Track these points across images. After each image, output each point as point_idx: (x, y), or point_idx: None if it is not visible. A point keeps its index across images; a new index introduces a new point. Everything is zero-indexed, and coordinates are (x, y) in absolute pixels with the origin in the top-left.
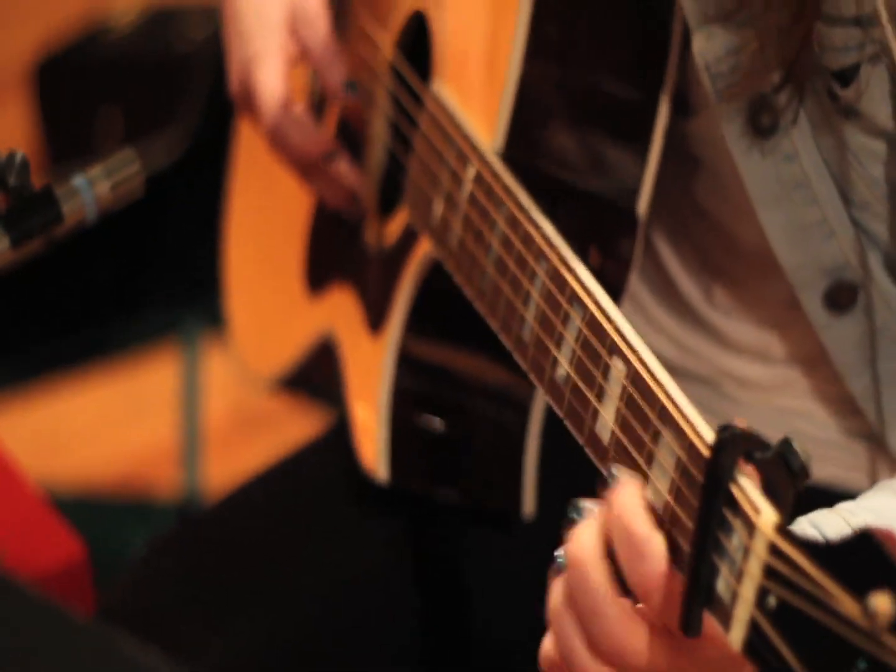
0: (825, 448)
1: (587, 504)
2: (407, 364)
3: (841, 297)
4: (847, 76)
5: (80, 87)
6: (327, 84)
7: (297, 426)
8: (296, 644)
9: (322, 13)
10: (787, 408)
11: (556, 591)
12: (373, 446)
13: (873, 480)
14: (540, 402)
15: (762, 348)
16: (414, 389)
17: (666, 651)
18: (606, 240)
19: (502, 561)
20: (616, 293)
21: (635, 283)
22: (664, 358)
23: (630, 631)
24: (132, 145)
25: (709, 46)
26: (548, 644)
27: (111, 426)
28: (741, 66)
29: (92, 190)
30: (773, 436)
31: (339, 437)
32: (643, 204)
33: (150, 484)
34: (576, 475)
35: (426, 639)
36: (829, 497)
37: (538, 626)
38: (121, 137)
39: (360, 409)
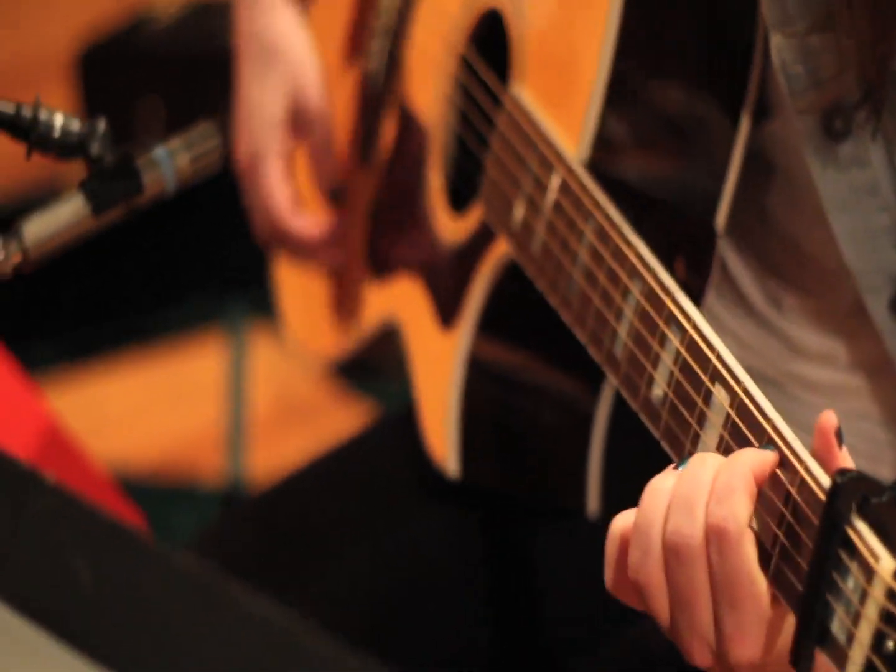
0: (887, 450)
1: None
2: (477, 362)
3: None
4: None
5: (123, 77)
6: (317, 182)
7: (341, 416)
8: (350, 638)
9: (324, 110)
10: (852, 410)
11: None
12: (442, 441)
13: None
14: (606, 402)
15: (828, 353)
16: (483, 387)
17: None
18: (688, 252)
19: (567, 558)
20: (695, 305)
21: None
22: None
23: (762, 608)
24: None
25: (787, 46)
26: (638, 557)
27: (157, 411)
28: (819, 69)
29: (172, 161)
30: None
31: (397, 427)
32: (722, 216)
33: (194, 469)
34: (643, 475)
35: (489, 635)
36: None
37: (600, 625)
38: (162, 128)
39: (429, 403)
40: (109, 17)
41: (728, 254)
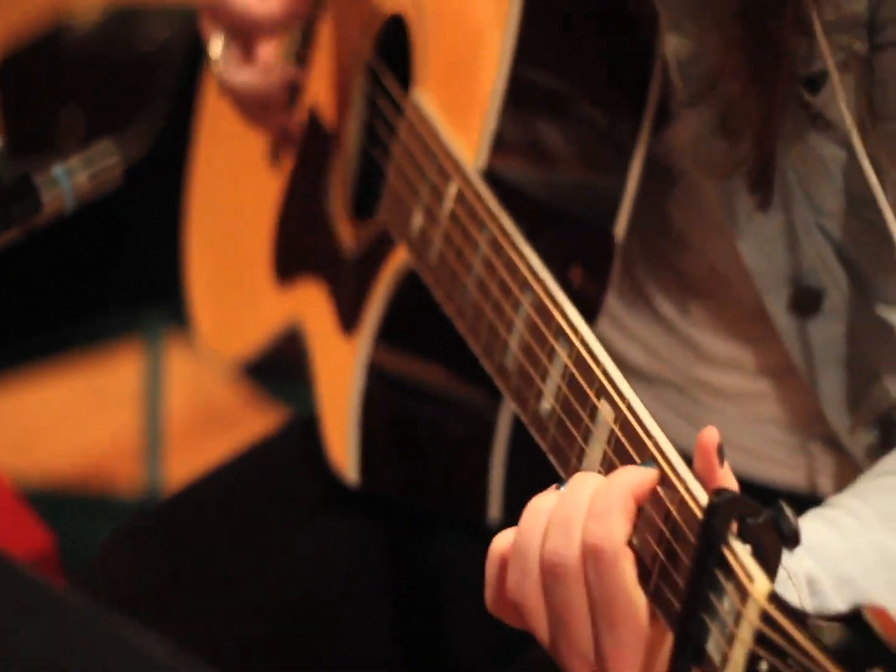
0: (789, 453)
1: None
2: (378, 370)
3: (806, 301)
4: (816, 83)
5: (42, 85)
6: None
7: (257, 423)
8: (252, 641)
9: None
10: (758, 414)
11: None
12: (342, 448)
13: (834, 483)
14: (507, 410)
15: (734, 359)
16: (384, 395)
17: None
18: (585, 260)
19: (468, 564)
20: (593, 313)
21: (609, 293)
22: (636, 364)
23: (640, 627)
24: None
25: (681, 47)
26: (518, 576)
27: (74, 422)
28: (711, 68)
29: (70, 179)
30: (743, 440)
31: (303, 432)
32: (621, 226)
33: (112, 479)
34: (543, 479)
35: (394, 641)
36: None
37: (506, 632)
38: (82, 136)
39: (330, 410)
40: (28, 25)
41: (634, 261)
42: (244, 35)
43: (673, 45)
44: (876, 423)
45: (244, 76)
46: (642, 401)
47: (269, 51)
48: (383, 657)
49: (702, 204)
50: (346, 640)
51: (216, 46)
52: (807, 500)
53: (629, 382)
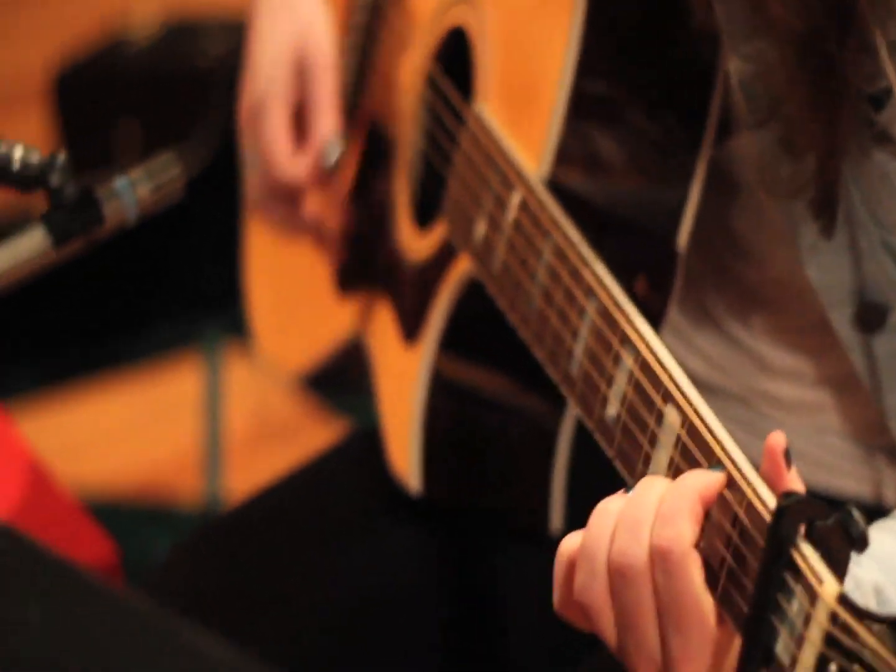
0: (854, 463)
1: None
2: (441, 380)
3: (871, 317)
4: (881, 100)
5: (99, 100)
6: (315, 136)
7: (317, 435)
8: (313, 653)
9: (330, 64)
10: (818, 424)
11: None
12: (405, 457)
13: (893, 495)
14: (570, 420)
15: (795, 370)
16: (447, 405)
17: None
18: (649, 271)
19: (530, 575)
20: (655, 325)
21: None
22: (698, 376)
23: (708, 630)
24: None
25: (744, 67)
26: (587, 576)
27: (134, 434)
28: (775, 89)
29: (133, 192)
30: (807, 451)
31: (365, 444)
32: (683, 236)
33: (172, 491)
34: (605, 491)
35: (452, 652)
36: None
37: (566, 641)
38: (140, 151)
39: (392, 419)
40: (86, 40)
41: (695, 273)
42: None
43: (736, 65)
44: None
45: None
46: None
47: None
48: (442, 668)
49: (765, 215)
50: (406, 651)
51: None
52: (872, 511)
53: None
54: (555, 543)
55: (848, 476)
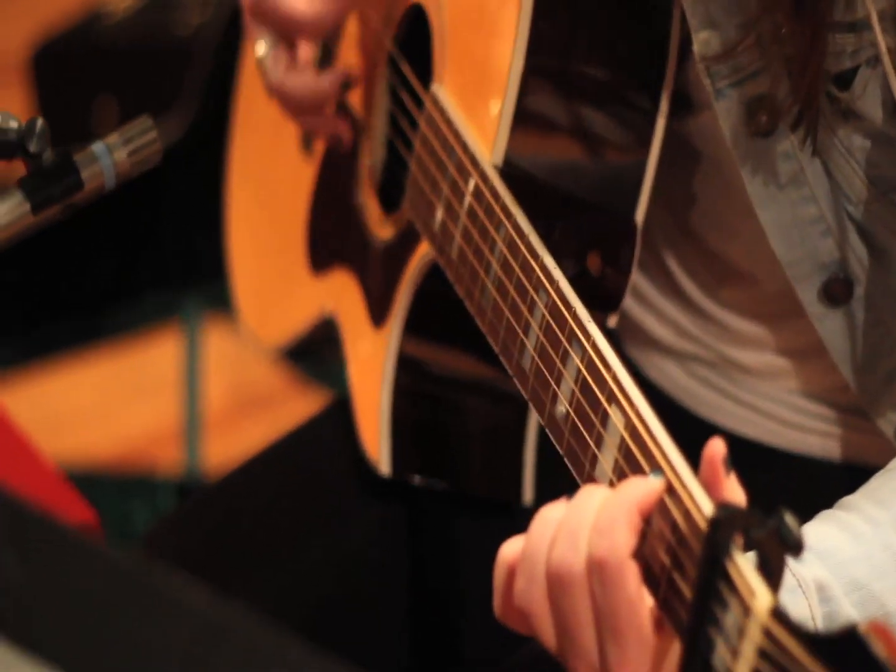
0: (823, 423)
1: None
2: (407, 362)
3: (837, 290)
4: (846, 79)
5: (77, 74)
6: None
7: (296, 405)
8: (290, 621)
9: None
10: (789, 388)
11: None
12: (375, 439)
13: (867, 453)
14: None
15: (763, 340)
16: (414, 386)
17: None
18: (605, 247)
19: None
20: (615, 299)
21: (637, 276)
22: (668, 343)
23: (644, 637)
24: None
25: (708, 47)
26: (525, 584)
27: (115, 404)
28: (741, 64)
29: (111, 156)
30: (774, 410)
31: (345, 413)
32: (641, 211)
33: (152, 462)
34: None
35: (420, 622)
36: (816, 468)
37: None
38: (117, 124)
39: (362, 400)
40: (64, 14)
41: (663, 244)
42: (289, 36)
43: (700, 40)
44: None
45: (295, 81)
46: (676, 375)
47: (309, 52)
48: (406, 636)
49: (730, 188)
50: (370, 617)
51: (261, 46)
52: (841, 470)
53: (661, 359)
54: (529, 514)
55: (815, 434)
